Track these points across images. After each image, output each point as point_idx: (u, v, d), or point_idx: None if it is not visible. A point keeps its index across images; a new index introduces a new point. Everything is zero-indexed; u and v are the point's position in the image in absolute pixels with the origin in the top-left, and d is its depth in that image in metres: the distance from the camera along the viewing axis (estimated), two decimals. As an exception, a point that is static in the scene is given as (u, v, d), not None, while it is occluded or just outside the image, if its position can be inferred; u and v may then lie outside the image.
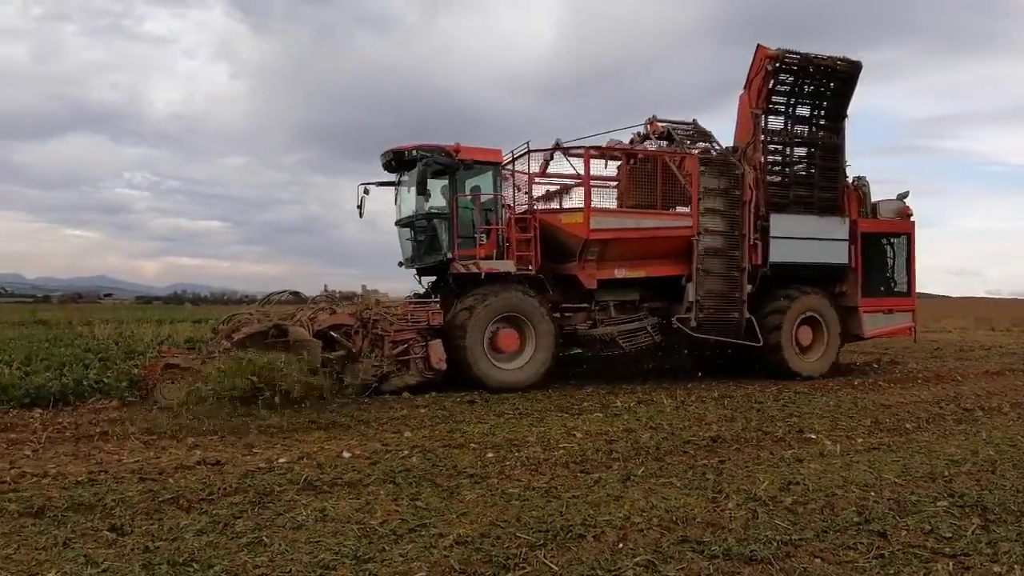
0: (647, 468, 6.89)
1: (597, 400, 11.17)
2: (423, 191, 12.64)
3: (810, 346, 14.45)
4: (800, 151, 14.53)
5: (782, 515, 5.45)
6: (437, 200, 13.14)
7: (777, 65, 13.67)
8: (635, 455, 7.45)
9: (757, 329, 13.65)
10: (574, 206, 13.55)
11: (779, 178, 14.34)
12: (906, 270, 15.22)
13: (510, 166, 13.52)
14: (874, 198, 15.41)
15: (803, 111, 14.40)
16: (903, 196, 15.58)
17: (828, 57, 13.88)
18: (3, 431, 8.78)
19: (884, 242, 15.11)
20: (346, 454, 7.51)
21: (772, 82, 13.82)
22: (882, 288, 15.07)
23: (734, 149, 14.17)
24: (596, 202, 13.59)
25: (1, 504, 5.77)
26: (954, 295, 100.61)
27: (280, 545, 4.84)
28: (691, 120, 14.59)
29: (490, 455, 7.45)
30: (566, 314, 13.44)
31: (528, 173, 13.54)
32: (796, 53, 13.63)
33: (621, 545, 4.78)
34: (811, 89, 14.28)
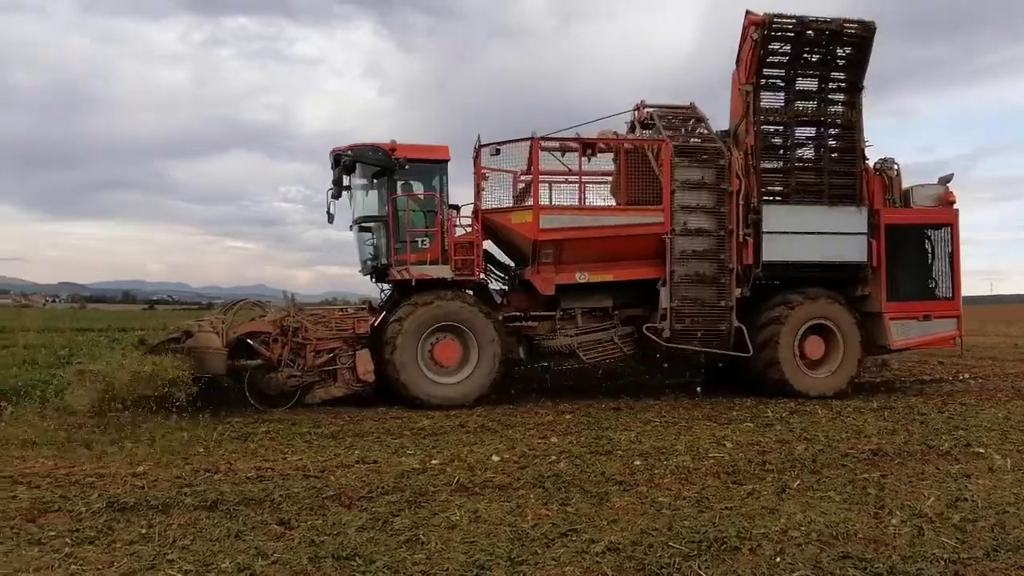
0: (803, 481, 7.26)
1: (747, 410, 11.85)
2: (338, 193, 12.80)
3: (821, 359, 13.18)
4: (806, 131, 13.37)
5: (949, 532, 5.69)
6: (381, 203, 13.02)
7: (766, 32, 12.63)
8: (790, 467, 7.83)
9: (747, 338, 12.70)
10: (524, 204, 12.94)
11: (778, 164, 13.35)
12: (948, 268, 13.52)
13: (490, 163, 12.89)
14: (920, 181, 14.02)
15: (808, 84, 13.27)
16: (945, 180, 13.98)
17: (832, 19, 12.85)
18: (177, 430, 9.84)
19: (918, 235, 13.54)
20: (495, 457, 8.30)
21: (762, 52, 12.77)
22: (915, 290, 13.44)
23: (726, 134, 13.51)
24: (591, 200, 13.17)
25: (178, 498, 6.62)
26: None
27: (437, 544, 5.43)
28: (688, 104, 14.16)
29: (638, 463, 8.04)
30: (529, 323, 12.94)
31: (513, 171, 13.03)
32: (790, 17, 12.68)
33: (779, 559, 5.13)
34: (817, 58, 13.16)
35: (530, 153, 12.86)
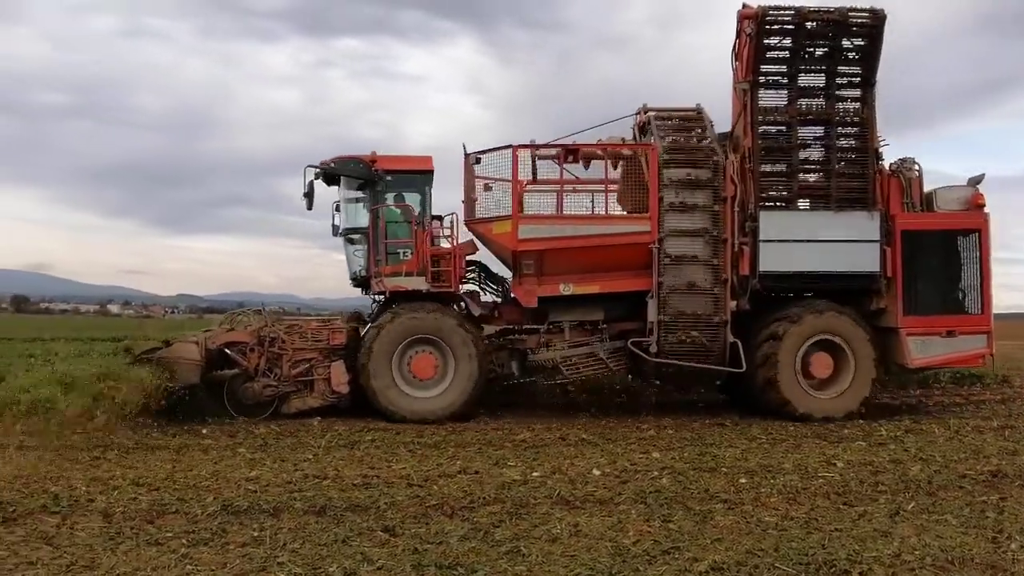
0: (918, 503, 7.25)
1: (858, 428, 11.71)
2: (310, 205, 13.08)
3: (830, 378, 12.32)
4: (812, 131, 12.67)
5: (1073, 559, 5.79)
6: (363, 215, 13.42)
7: (761, 26, 12.03)
8: (904, 488, 7.69)
9: (741, 353, 12.05)
10: (502, 213, 12.49)
11: (779, 166, 12.63)
12: (977, 279, 12.40)
13: (485, 170, 12.48)
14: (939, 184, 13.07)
15: (813, 80, 12.61)
16: (976, 181, 12.90)
17: (835, 9, 12.10)
18: (287, 436, 10.71)
19: (940, 242, 12.46)
20: (596, 471, 8.44)
21: (758, 48, 12.20)
22: (938, 303, 12.37)
23: (727, 136, 13.00)
24: (599, 208, 12.58)
25: (288, 502, 7.06)
26: None
27: (537, 556, 5.58)
28: (694, 106, 13.31)
29: (743, 480, 8.08)
30: (520, 336, 12.71)
31: (520, 180, 12.54)
32: (787, 8, 12.05)
33: (891, 584, 4.63)
34: (823, 52, 12.50)
35: (532, 161, 12.56)
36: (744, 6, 12.08)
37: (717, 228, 12.01)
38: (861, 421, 11.91)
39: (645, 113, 13.22)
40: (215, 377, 12.14)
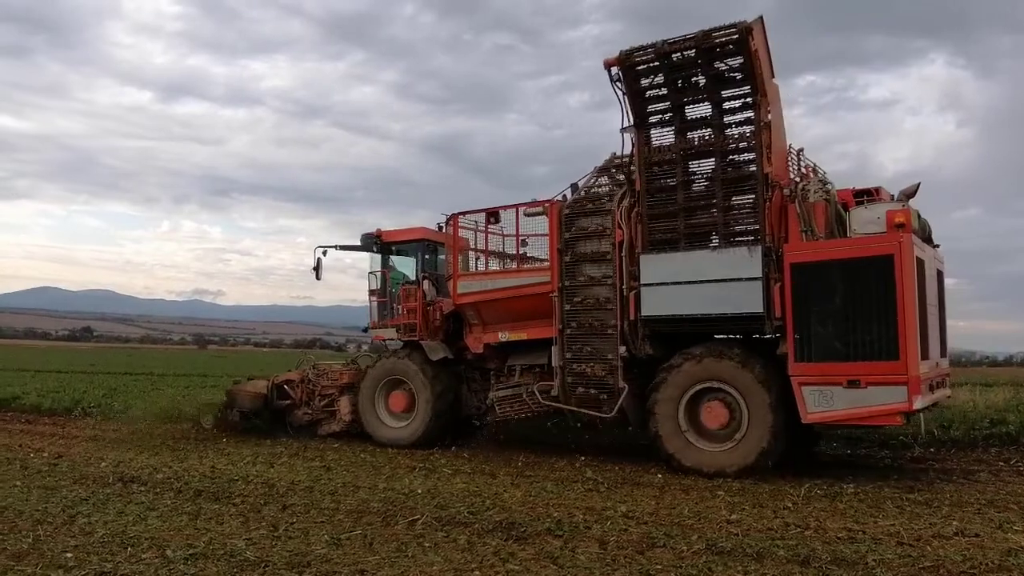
0: None
1: None
2: (318, 276, 15.89)
3: (724, 428, 11.10)
4: (701, 164, 11.51)
5: None
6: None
7: (628, 71, 11.36)
8: None
9: (619, 399, 11.83)
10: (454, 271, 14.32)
11: (667, 207, 11.63)
12: (890, 316, 9.98)
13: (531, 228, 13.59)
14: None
15: (699, 111, 11.47)
16: (907, 194, 10.84)
17: (693, 35, 10.89)
18: (765, 483, 10.39)
19: (841, 274, 10.31)
20: None
21: (633, 91, 11.53)
22: (838, 347, 10.29)
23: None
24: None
25: (771, 549, 6.91)
26: None
27: None
28: None
29: None
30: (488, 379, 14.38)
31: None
32: (647, 46, 11.20)
33: None
34: (705, 80, 11.24)
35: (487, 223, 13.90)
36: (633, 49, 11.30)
37: (606, 275, 12.01)
38: None
39: (614, 160, 13.13)
40: (276, 405, 15.71)
